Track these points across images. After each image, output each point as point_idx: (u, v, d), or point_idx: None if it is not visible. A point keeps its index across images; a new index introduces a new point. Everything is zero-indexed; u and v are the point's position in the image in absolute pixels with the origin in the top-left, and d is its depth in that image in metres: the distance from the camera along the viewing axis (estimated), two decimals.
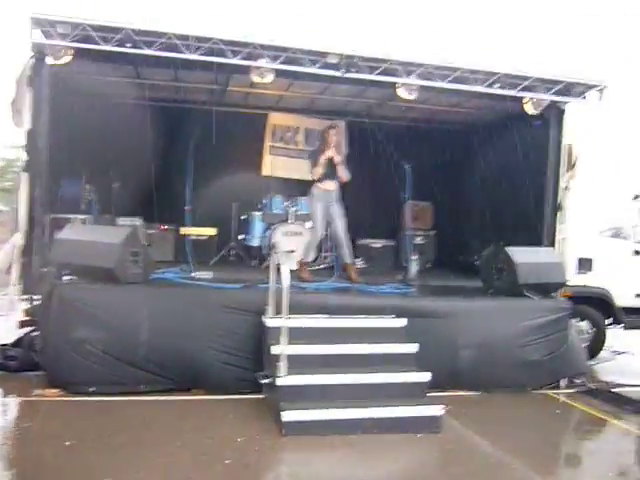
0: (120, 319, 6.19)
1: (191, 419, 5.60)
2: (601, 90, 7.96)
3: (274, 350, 5.67)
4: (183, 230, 9.63)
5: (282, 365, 5.50)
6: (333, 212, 7.96)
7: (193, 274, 7.72)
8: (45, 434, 5.03)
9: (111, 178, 9.69)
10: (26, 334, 6.84)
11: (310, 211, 8.17)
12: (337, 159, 7.80)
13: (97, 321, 6.12)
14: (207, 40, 7.06)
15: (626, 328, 9.07)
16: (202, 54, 7.15)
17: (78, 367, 6.03)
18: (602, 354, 9.22)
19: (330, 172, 7.84)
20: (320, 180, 7.88)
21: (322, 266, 9.49)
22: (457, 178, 11.00)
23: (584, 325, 8.80)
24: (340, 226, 7.98)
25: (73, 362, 6.02)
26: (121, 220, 9.38)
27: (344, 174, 7.89)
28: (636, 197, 9.32)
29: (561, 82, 8.00)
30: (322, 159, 7.75)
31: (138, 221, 9.46)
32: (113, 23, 6.86)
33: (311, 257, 8.39)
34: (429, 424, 5.53)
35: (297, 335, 5.72)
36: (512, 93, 8.01)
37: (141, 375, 6.18)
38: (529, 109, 8.17)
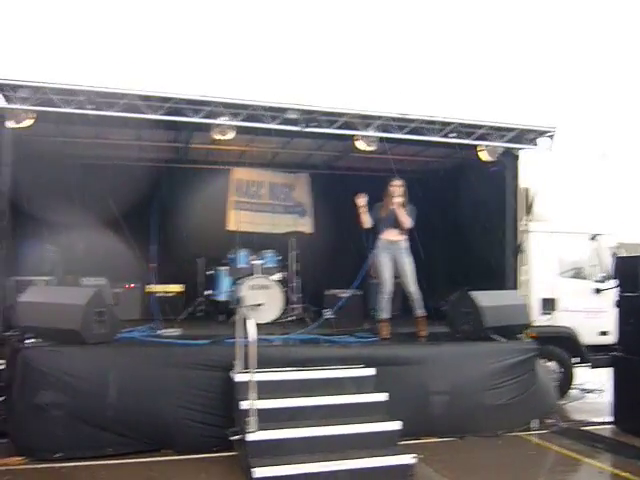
0: (86, 381, 6.07)
1: None
2: (551, 136, 8.25)
3: (243, 405, 5.61)
4: (149, 288, 9.56)
5: (251, 420, 5.45)
6: (402, 263, 7.88)
7: (160, 332, 7.66)
8: None
9: (75, 238, 9.63)
10: None
11: (377, 263, 8.00)
12: (396, 207, 7.72)
13: (62, 384, 5.99)
14: (168, 100, 7.17)
15: (593, 366, 9.15)
16: (163, 114, 7.25)
17: (42, 433, 5.88)
18: (571, 393, 9.30)
19: (391, 222, 7.82)
20: (381, 232, 7.89)
21: (290, 319, 9.46)
22: (421, 226, 11.14)
23: (552, 365, 8.88)
24: (408, 278, 7.90)
25: (37, 428, 5.87)
26: (86, 280, 9.28)
27: (405, 221, 7.80)
28: (593, 237, 9.54)
29: (513, 129, 8.27)
30: (383, 213, 7.81)
31: (103, 281, 9.37)
32: (74, 86, 6.91)
33: (386, 313, 8.05)
34: (402, 473, 5.51)
35: (266, 389, 5.69)
36: (467, 142, 8.24)
37: (108, 437, 6.05)
38: (484, 156, 8.39)
